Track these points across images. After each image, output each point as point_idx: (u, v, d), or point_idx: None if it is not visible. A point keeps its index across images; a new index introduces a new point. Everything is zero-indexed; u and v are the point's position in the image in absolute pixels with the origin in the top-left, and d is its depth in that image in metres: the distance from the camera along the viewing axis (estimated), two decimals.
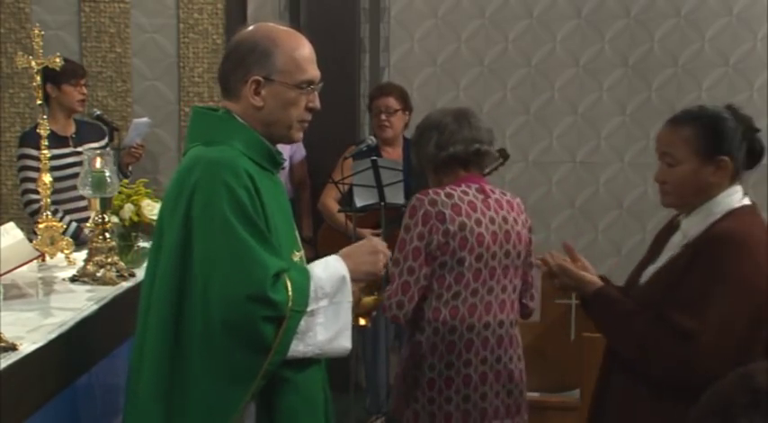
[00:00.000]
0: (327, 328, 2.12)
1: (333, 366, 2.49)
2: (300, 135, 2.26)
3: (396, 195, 4.28)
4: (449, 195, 2.95)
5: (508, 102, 5.31)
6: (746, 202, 2.41)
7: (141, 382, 2.14)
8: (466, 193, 2.99)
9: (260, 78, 2.16)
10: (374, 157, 4.24)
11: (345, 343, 2.16)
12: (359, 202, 4.29)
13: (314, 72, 2.22)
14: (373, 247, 2.26)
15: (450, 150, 3.00)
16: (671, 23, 5.19)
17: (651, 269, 2.46)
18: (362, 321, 2.40)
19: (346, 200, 4.50)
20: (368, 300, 2.35)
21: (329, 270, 2.16)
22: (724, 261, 2.26)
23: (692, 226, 2.38)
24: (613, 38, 5.23)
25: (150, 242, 3.01)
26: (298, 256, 2.29)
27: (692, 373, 2.23)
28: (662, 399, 2.33)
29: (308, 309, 2.09)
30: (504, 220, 3.01)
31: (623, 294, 2.47)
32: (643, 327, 2.32)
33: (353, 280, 2.19)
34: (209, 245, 2.05)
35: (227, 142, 2.16)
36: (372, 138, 4.50)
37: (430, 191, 2.99)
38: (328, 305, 2.13)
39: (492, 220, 2.98)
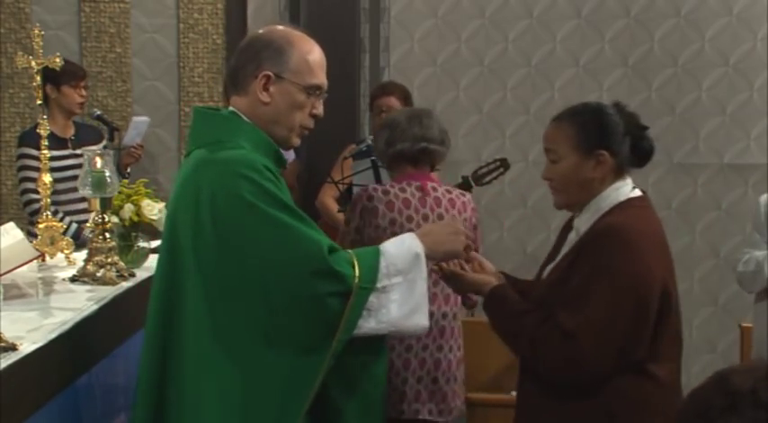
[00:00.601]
0: (401, 305, 2.09)
1: None
2: (298, 141, 2.25)
3: None
4: (385, 192, 3.11)
5: (508, 102, 5.32)
6: (635, 194, 2.40)
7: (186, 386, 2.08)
8: (404, 191, 3.13)
9: (271, 74, 2.15)
10: (374, 158, 4.25)
11: (422, 320, 2.13)
12: None
13: (323, 78, 2.23)
14: (455, 227, 2.26)
15: (397, 147, 3.15)
16: (671, 23, 5.19)
17: (549, 267, 2.47)
18: None
19: (345, 199, 4.50)
20: None
21: (402, 247, 2.14)
22: (605, 255, 2.24)
23: (582, 223, 2.39)
24: (613, 38, 5.23)
25: (148, 242, 3.03)
26: None
27: (579, 371, 2.24)
28: (549, 397, 2.33)
29: (380, 285, 2.07)
30: (440, 217, 3.12)
31: (524, 292, 2.46)
32: (532, 325, 2.31)
33: (433, 259, 2.18)
34: (251, 235, 2.03)
35: (233, 142, 2.14)
36: (373, 137, 4.51)
37: (370, 187, 3.17)
38: (402, 281, 2.10)
39: (425, 217, 3.10)
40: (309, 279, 2.00)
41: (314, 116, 2.23)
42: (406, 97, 4.71)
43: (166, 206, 2.26)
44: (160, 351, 2.15)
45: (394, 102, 4.66)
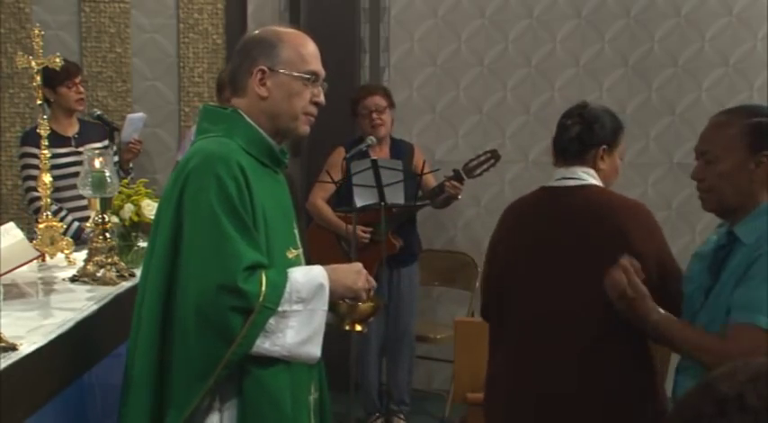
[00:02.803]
0: (298, 332, 2.15)
1: (332, 366, 2.49)
2: (307, 129, 2.31)
3: (395, 195, 4.29)
4: None
5: (508, 102, 5.32)
6: None
7: (134, 367, 2.21)
8: None
9: (265, 68, 2.22)
10: (374, 158, 4.25)
11: (314, 350, 2.19)
12: (359, 202, 4.29)
13: (318, 66, 2.28)
14: (359, 268, 2.31)
15: None
16: (671, 23, 5.19)
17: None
18: (358, 327, 2.40)
19: (345, 199, 4.50)
20: (365, 306, 2.35)
21: (308, 276, 2.20)
22: None
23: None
24: (613, 38, 5.23)
25: (146, 243, 3.04)
26: (294, 253, 2.32)
27: None
28: None
29: (280, 309, 2.12)
30: None
31: None
32: None
33: (332, 291, 2.21)
34: (194, 233, 2.13)
35: (228, 136, 2.22)
36: (372, 138, 4.52)
37: None
38: (302, 310, 2.16)
39: None
40: (216, 290, 2.08)
41: (316, 104, 2.28)
42: (388, 95, 4.78)
43: None
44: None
45: (379, 100, 4.71)
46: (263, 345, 2.13)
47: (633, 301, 2.40)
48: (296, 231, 2.38)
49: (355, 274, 2.29)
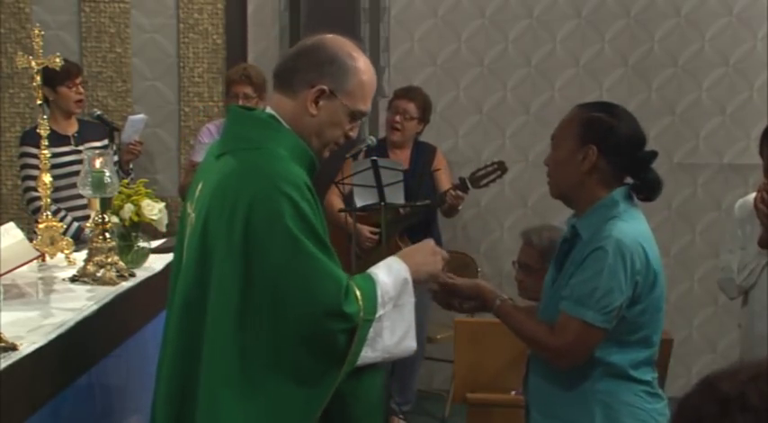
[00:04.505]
0: (393, 332, 2.12)
1: None
2: (327, 155, 2.25)
3: (396, 195, 4.28)
4: None
5: (508, 102, 5.31)
6: None
7: (211, 395, 2.03)
8: None
9: (326, 89, 2.13)
10: (374, 158, 4.25)
11: (411, 343, 2.16)
12: (359, 202, 4.29)
13: (369, 106, 2.23)
14: (432, 248, 2.27)
15: None
16: (671, 23, 5.19)
17: None
18: None
19: (348, 199, 4.51)
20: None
21: (393, 274, 2.16)
22: None
23: None
24: (613, 38, 5.23)
25: (148, 242, 3.03)
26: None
27: None
28: None
29: (377, 315, 2.09)
30: None
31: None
32: None
33: (414, 281, 2.18)
34: (278, 261, 2.00)
35: (270, 146, 2.10)
36: (372, 138, 4.51)
37: None
38: (393, 308, 2.12)
39: None
40: (322, 318, 2.01)
41: (347, 138, 2.22)
42: (425, 108, 4.77)
43: (194, 208, 2.16)
44: (181, 358, 2.12)
45: (412, 109, 4.73)
46: (368, 354, 2.09)
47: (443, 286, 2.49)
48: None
49: (432, 256, 2.25)
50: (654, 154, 2.43)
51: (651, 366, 2.45)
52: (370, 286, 2.10)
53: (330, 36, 2.23)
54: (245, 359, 2.02)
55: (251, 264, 2.00)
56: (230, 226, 2.02)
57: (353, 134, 2.23)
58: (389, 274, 2.15)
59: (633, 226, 2.36)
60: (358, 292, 2.06)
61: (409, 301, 2.15)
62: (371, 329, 2.08)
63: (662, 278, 2.40)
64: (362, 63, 2.21)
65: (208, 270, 2.05)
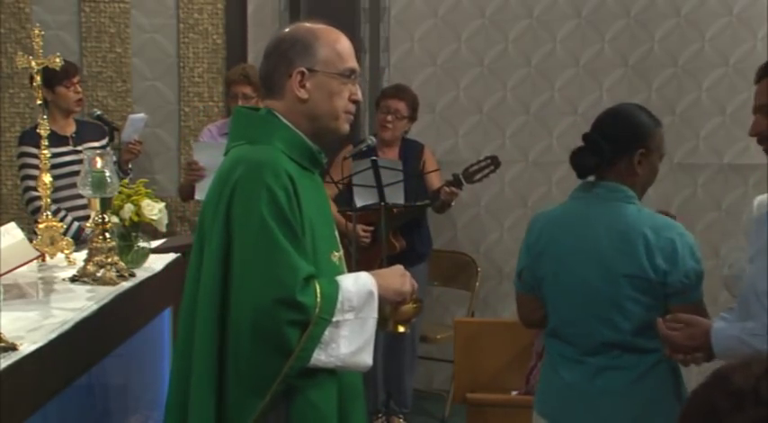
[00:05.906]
0: (351, 342, 2.12)
1: None
2: (347, 127, 2.27)
3: (396, 195, 4.28)
4: None
5: (508, 102, 5.31)
6: None
7: (193, 378, 2.13)
8: None
9: (304, 69, 2.18)
10: (374, 158, 4.25)
11: (367, 358, 2.16)
12: (359, 202, 4.29)
13: (354, 63, 2.26)
14: (402, 270, 2.30)
15: None
16: (671, 23, 5.19)
17: None
18: (401, 328, 2.41)
19: (345, 199, 4.50)
20: (408, 307, 2.35)
21: (358, 284, 2.16)
22: None
23: None
24: (613, 38, 5.23)
25: (148, 242, 3.03)
26: (336, 256, 2.29)
27: None
28: None
29: (334, 319, 2.09)
30: None
31: None
32: None
33: (381, 296, 2.19)
34: (246, 246, 2.07)
35: (268, 141, 2.17)
36: (372, 138, 4.51)
37: None
38: (354, 319, 2.12)
39: None
40: (272, 305, 2.03)
41: (354, 102, 2.25)
42: (414, 107, 4.77)
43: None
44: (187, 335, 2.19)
45: (402, 108, 4.72)
46: (320, 357, 2.09)
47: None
48: (336, 233, 2.35)
49: (401, 278, 2.27)
50: None
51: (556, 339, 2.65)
52: (333, 288, 2.12)
53: (287, 28, 2.31)
54: (221, 348, 2.10)
55: (230, 247, 2.09)
56: (216, 212, 2.11)
57: (358, 96, 2.26)
58: (355, 283, 2.16)
59: None
60: (319, 289, 2.08)
61: (372, 315, 2.16)
62: (327, 333, 2.08)
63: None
64: (323, 31, 2.27)
65: (203, 256, 2.15)
